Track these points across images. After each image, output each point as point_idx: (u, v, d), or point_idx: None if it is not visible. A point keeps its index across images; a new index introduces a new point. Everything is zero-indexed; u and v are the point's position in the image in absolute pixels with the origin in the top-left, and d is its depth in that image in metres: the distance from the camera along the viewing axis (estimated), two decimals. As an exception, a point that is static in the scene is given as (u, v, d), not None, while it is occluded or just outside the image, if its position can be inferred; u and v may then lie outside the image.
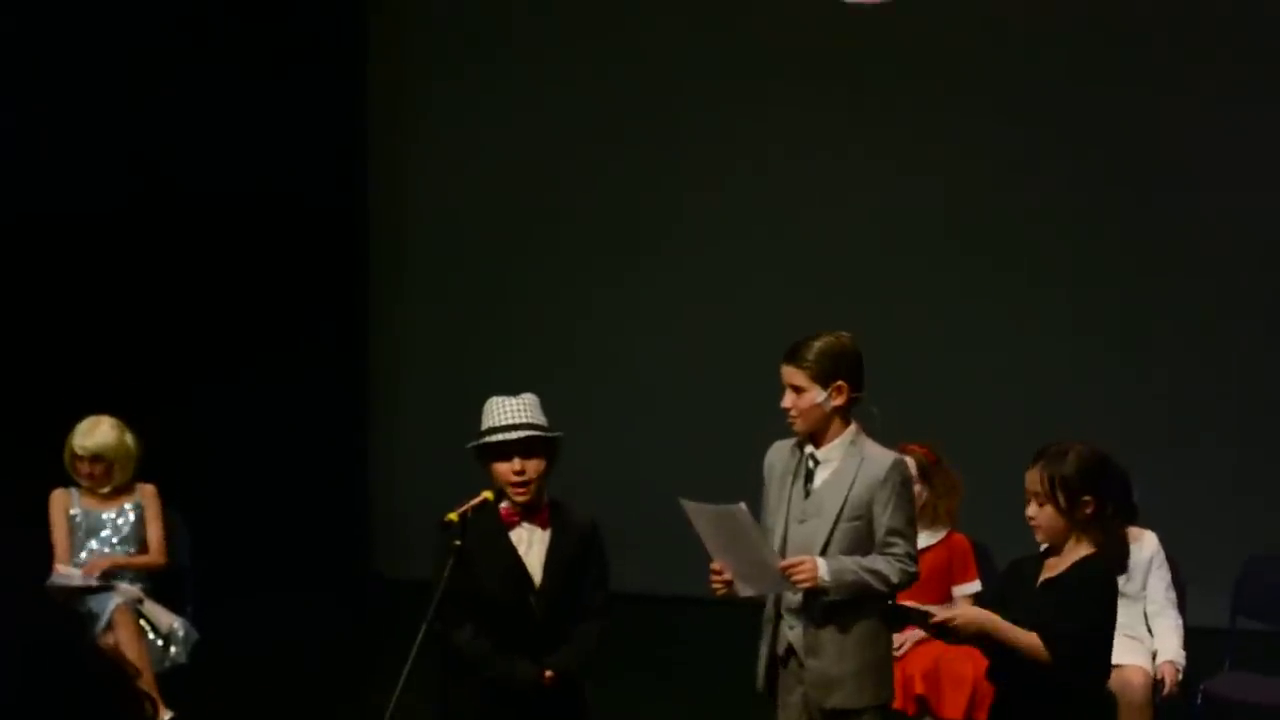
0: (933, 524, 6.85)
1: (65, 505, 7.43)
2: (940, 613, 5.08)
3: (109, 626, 7.08)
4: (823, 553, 5.30)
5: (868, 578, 5.26)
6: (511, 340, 10.34)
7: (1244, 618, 7.24)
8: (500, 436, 5.51)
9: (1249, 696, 6.92)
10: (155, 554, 7.45)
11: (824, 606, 5.30)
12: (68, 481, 7.44)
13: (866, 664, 5.37)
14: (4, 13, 8.86)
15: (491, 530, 5.46)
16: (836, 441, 5.37)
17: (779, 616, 5.45)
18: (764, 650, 5.52)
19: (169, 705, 7.03)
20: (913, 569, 5.33)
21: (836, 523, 5.32)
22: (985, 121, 9.74)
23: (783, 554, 5.35)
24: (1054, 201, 9.68)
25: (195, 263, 9.85)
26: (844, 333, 5.43)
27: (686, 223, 10.20)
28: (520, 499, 5.53)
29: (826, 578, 5.24)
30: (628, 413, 10.17)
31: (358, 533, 10.70)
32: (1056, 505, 4.91)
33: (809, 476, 5.39)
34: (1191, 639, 6.86)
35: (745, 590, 5.34)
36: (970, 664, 6.73)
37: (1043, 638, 4.83)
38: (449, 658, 5.33)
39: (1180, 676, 6.62)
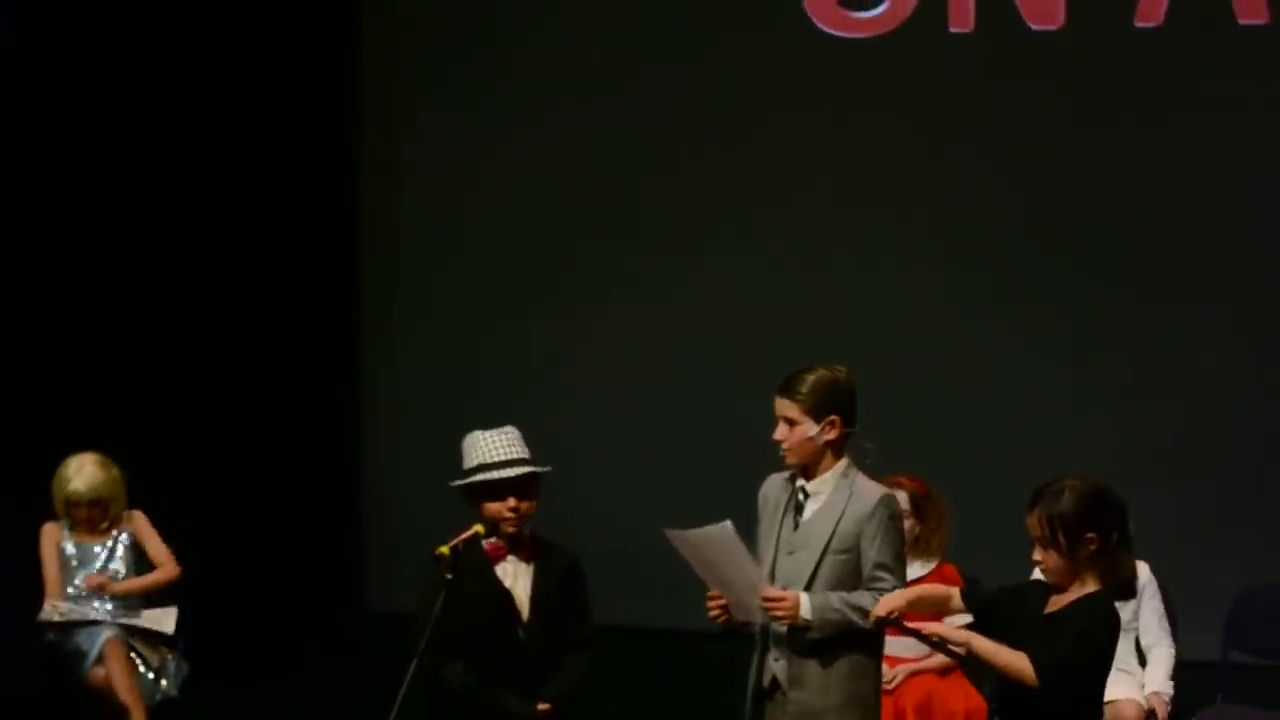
0: (924, 555, 6.86)
1: (56, 540, 7.43)
2: (931, 627, 5.07)
3: (99, 659, 7.08)
4: (809, 585, 5.30)
5: (851, 614, 5.25)
6: (507, 371, 10.33)
7: (1236, 650, 7.23)
8: (499, 474, 5.52)
9: (1242, 730, 6.92)
10: (168, 565, 7.46)
11: (808, 640, 5.30)
12: (56, 514, 7.44)
13: (851, 697, 5.35)
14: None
15: (478, 565, 5.46)
16: (827, 475, 5.37)
17: (765, 648, 5.45)
18: (750, 681, 5.51)
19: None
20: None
21: (823, 555, 5.31)
22: (982, 145, 9.74)
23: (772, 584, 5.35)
24: (1051, 230, 9.67)
25: (180, 271, 9.77)
26: (839, 366, 5.43)
27: (686, 221, 10.18)
28: (512, 531, 5.53)
29: (808, 615, 5.24)
30: (622, 428, 10.15)
31: (350, 564, 10.68)
32: (1058, 547, 4.88)
33: (799, 509, 5.39)
34: (1183, 672, 6.83)
35: (741, 616, 5.34)
36: (962, 697, 6.74)
37: (1032, 660, 4.81)
38: (439, 692, 5.32)
39: (1169, 708, 6.61)
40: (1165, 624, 6.71)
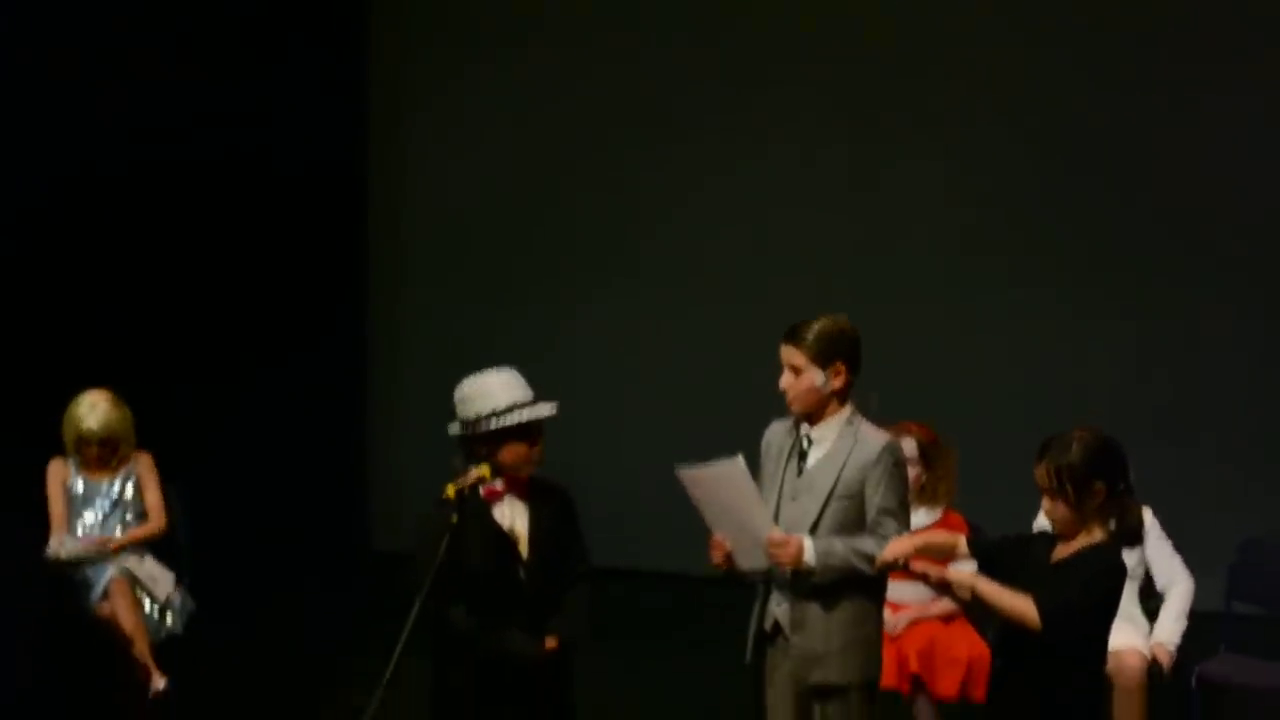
0: (930, 502, 6.86)
1: (63, 476, 7.43)
2: (937, 570, 5.09)
3: (105, 595, 7.11)
4: (812, 530, 5.30)
5: (854, 560, 5.26)
6: (510, 316, 10.35)
7: (1239, 602, 7.23)
8: (530, 414, 5.43)
9: (1244, 680, 6.91)
10: (155, 519, 7.45)
11: (811, 584, 5.31)
12: (63, 451, 7.44)
13: (853, 641, 5.36)
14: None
15: (476, 507, 5.44)
16: (832, 421, 5.36)
17: (768, 593, 5.46)
18: (753, 625, 5.52)
19: (164, 674, 7.05)
20: None
21: (827, 501, 5.31)
22: (984, 105, 9.73)
23: None
24: (1054, 185, 9.67)
25: (192, 239, 9.82)
26: (843, 315, 5.42)
27: (688, 215, 10.20)
28: (530, 472, 5.52)
29: (811, 560, 5.25)
30: (622, 396, 10.18)
31: (355, 505, 10.71)
32: (1066, 498, 4.90)
33: (803, 455, 5.39)
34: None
35: (743, 564, 5.34)
36: (965, 644, 6.75)
37: (1036, 603, 4.83)
38: (443, 637, 5.31)
39: (1173, 658, 6.62)
40: (1177, 560, 6.71)
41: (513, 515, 5.55)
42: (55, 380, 7.72)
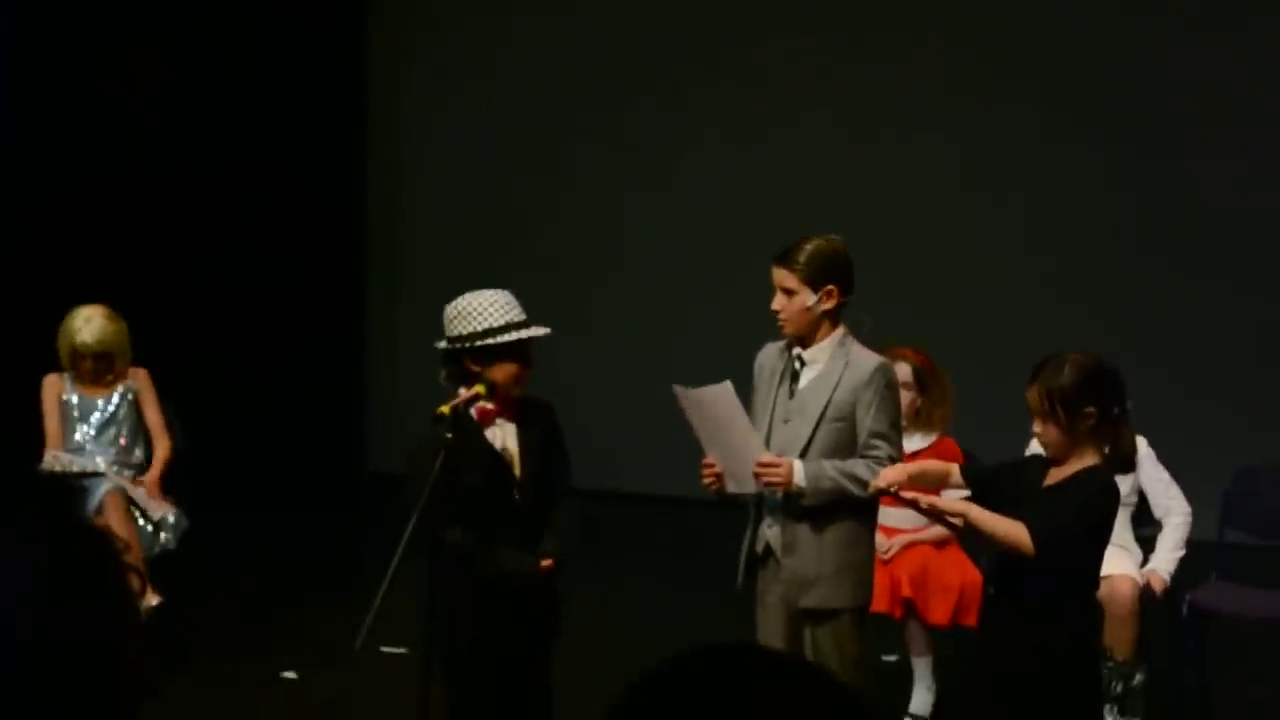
0: (925, 428, 6.86)
1: (59, 391, 7.39)
2: (929, 498, 5.09)
3: (99, 510, 7.10)
4: (804, 453, 5.29)
5: (845, 482, 5.25)
6: (510, 245, 10.35)
7: (1232, 530, 7.25)
8: (524, 334, 5.35)
9: (1235, 607, 6.93)
10: (159, 437, 7.43)
11: (802, 507, 5.30)
12: (60, 364, 7.41)
13: (844, 564, 5.37)
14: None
15: (469, 427, 5.42)
16: (824, 343, 5.35)
17: (759, 515, 5.46)
18: (744, 548, 5.53)
19: (157, 590, 7.06)
20: None
21: (819, 424, 5.30)
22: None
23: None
24: (1057, 122, 9.66)
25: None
26: (835, 236, 5.39)
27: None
28: (518, 392, 5.48)
29: (801, 483, 5.24)
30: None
31: (353, 426, 10.73)
32: (1057, 420, 4.90)
33: (795, 377, 5.38)
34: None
35: (733, 487, 5.34)
36: (958, 570, 6.76)
37: (1029, 528, 4.83)
38: (438, 558, 5.31)
39: (1167, 585, 6.63)
40: (1174, 488, 6.70)
41: (504, 435, 5.53)
42: (44, 284, 7.72)
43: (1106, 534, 5.01)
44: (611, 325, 10.29)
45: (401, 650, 6.61)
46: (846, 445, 5.31)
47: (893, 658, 7.09)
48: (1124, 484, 6.57)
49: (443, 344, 5.42)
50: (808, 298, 5.28)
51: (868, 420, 5.28)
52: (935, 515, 5.20)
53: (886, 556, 6.74)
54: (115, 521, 7.07)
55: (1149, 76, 9.50)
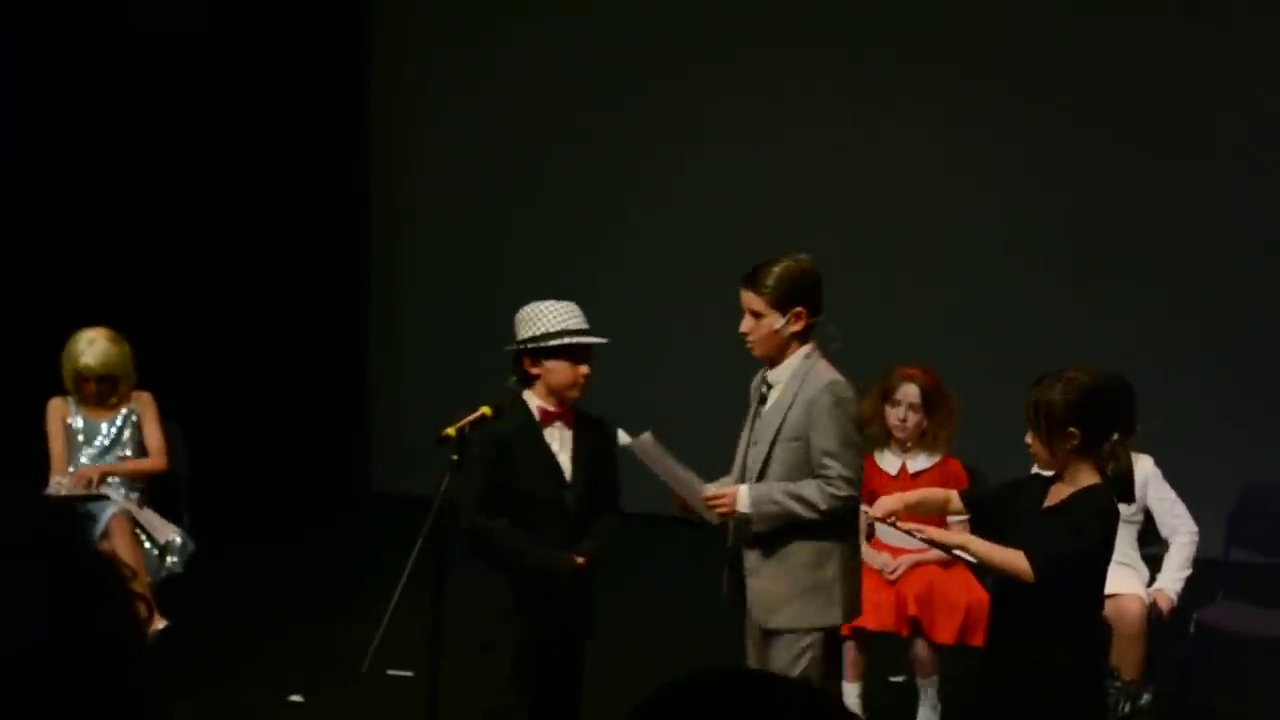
0: (930, 448, 6.85)
1: (63, 414, 7.38)
2: (928, 530, 5.10)
3: (104, 535, 7.08)
4: (762, 474, 5.30)
5: (793, 505, 5.23)
6: (511, 267, 10.34)
7: (1238, 548, 7.24)
8: (575, 339, 5.54)
9: (1241, 626, 6.92)
10: (155, 457, 7.41)
11: (755, 531, 5.31)
12: (64, 388, 7.41)
13: (814, 585, 5.34)
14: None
15: (528, 429, 5.53)
16: (790, 363, 5.33)
17: (736, 536, 5.48)
18: (727, 567, 5.56)
19: (164, 615, 7.04)
20: (845, 492, 5.25)
21: (774, 444, 5.30)
22: (988, 90, 9.75)
23: (740, 478, 5.39)
24: (1052, 134, 9.67)
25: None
26: (803, 255, 5.37)
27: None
28: (577, 397, 5.61)
29: (746, 509, 5.24)
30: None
31: (357, 447, 10.73)
32: (1040, 434, 4.90)
33: (763, 400, 5.38)
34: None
35: (697, 508, 5.35)
36: (964, 589, 6.76)
37: (1028, 556, 4.83)
38: (482, 546, 5.42)
39: (1174, 604, 6.62)
40: (1180, 507, 6.69)
41: (561, 441, 5.65)
42: (52, 313, 7.72)
43: (1107, 554, 4.99)
44: (612, 329, 10.26)
45: (408, 674, 6.61)
46: (804, 464, 5.29)
47: (899, 678, 7.08)
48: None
49: (510, 348, 5.61)
50: (775, 320, 5.27)
51: (817, 439, 5.25)
52: (937, 545, 5.19)
53: (893, 576, 6.74)
54: (121, 545, 7.05)
55: (1177, 102, 9.48)
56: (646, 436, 5.30)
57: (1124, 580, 6.49)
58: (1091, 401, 4.90)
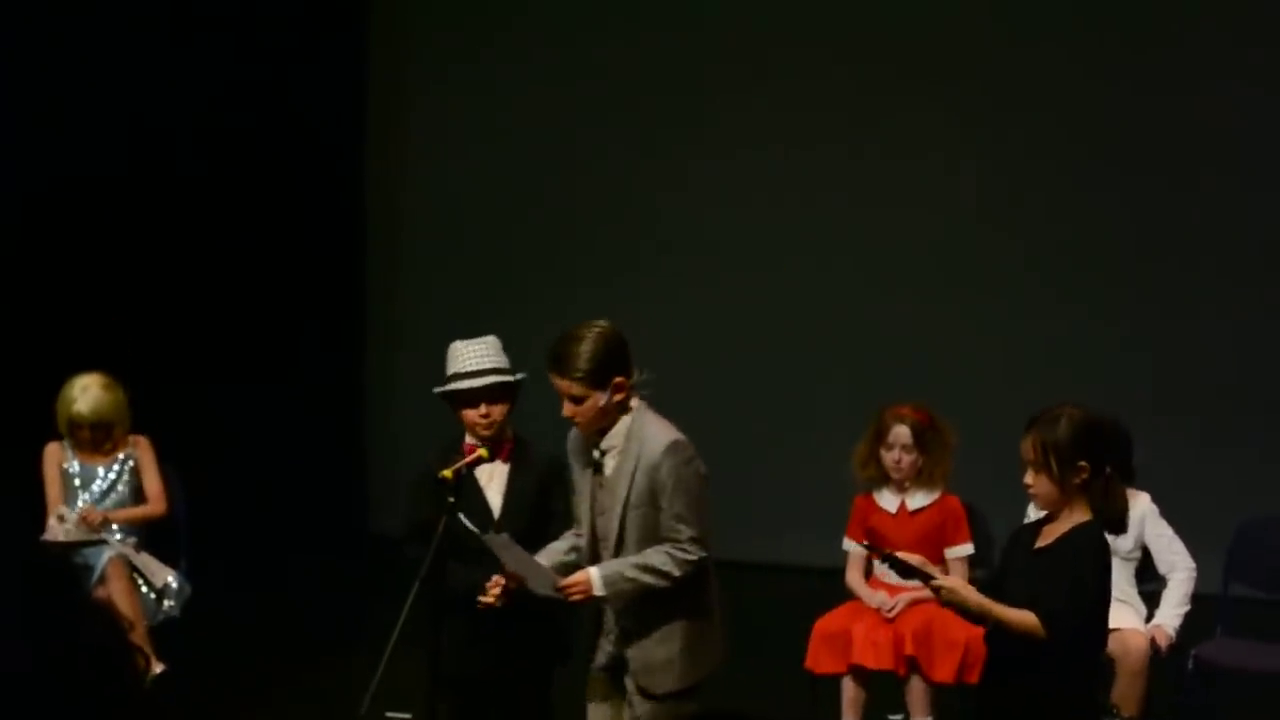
0: (927, 486, 6.85)
1: (59, 459, 7.38)
2: (941, 579, 5.11)
3: (101, 579, 7.07)
4: (619, 543, 5.28)
5: (646, 578, 5.21)
6: (507, 304, 10.34)
7: (1236, 584, 7.24)
8: (466, 384, 5.67)
9: (1241, 662, 6.92)
10: (155, 503, 7.41)
11: (617, 607, 5.31)
12: (59, 435, 7.41)
13: (686, 645, 5.33)
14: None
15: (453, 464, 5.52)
16: (619, 427, 5.30)
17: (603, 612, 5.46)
18: (602, 638, 5.50)
19: (161, 659, 7.03)
20: (696, 555, 5.23)
21: (625, 513, 5.27)
22: (984, 102, 9.76)
23: (591, 547, 5.36)
24: (1049, 172, 9.69)
25: (193, 233, 9.82)
26: (601, 322, 5.31)
27: (690, 212, 10.21)
28: (486, 436, 5.67)
29: (600, 591, 5.22)
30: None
31: (353, 488, 10.71)
32: (1049, 473, 4.92)
33: (599, 467, 5.34)
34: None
35: (538, 589, 5.31)
36: (963, 627, 6.72)
37: (1039, 616, 4.86)
38: (435, 599, 5.40)
39: (1172, 640, 6.61)
40: (1178, 544, 6.68)
41: (491, 475, 5.73)
42: (54, 374, 7.74)
43: (1106, 590, 5.03)
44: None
45: (406, 716, 6.59)
46: (656, 527, 5.26)
47: (897, 716, 7.06)
48: (1128, 540, 6.60)
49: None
50: (598, 398, 5.21)
51: (664, 502, 5.23)
52: (955, 608, 5.17)
53: (891, 614, 6.73)
54: (118, 590, 7.04)
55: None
56: (505, 536, 5.32)
57: (1124, 617, 6.48)
58: (1095, 432, 4.97)
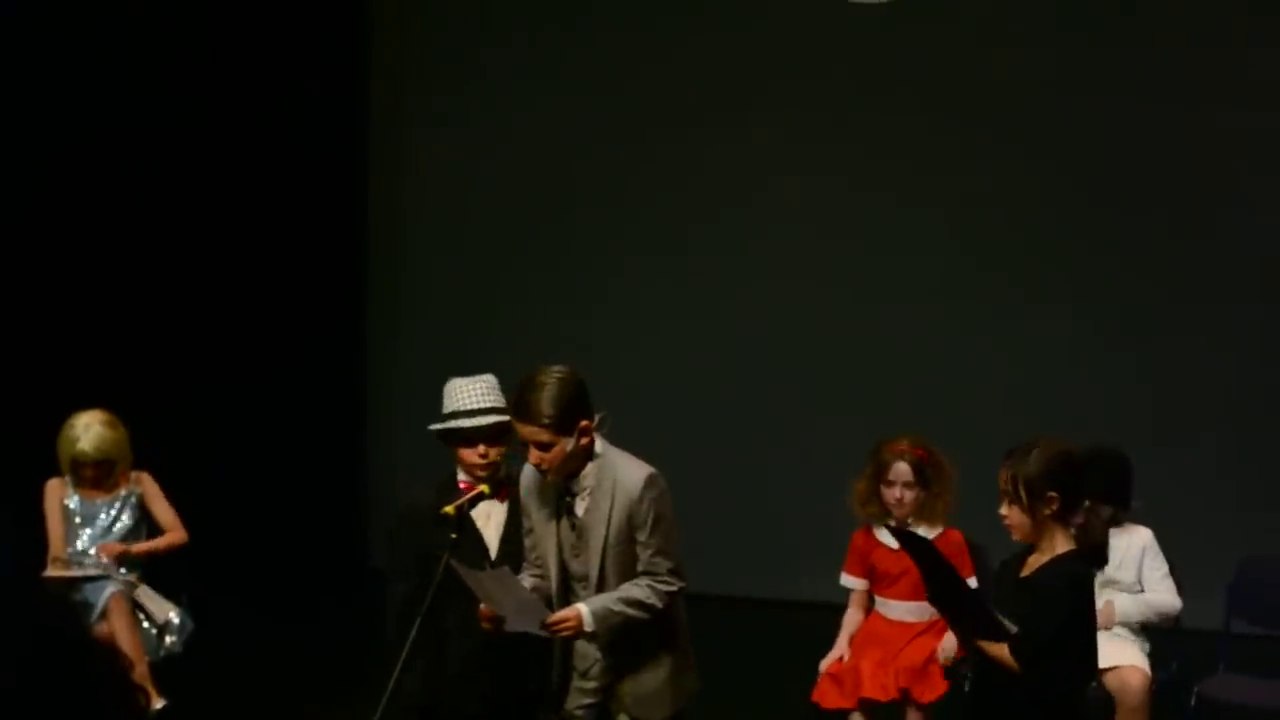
0: (929, 520, 6.83)
1: (61, 495, 7.39)
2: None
3: (103, 615, 7.07)
4: (599, 582, 5.31)
5: (632, 612, 5.26)
6: (507, 340, 10.35)
7: (1238, 620, 7.24)
8: (466, 423, 5.69)
9: (1243, 699, 6.92)
10: (175, 531, 7.42)
11: (603, 642, 5.34)
12: (61, 471, 7.41)
13: (672, 669, 5.41)
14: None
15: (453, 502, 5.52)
16: (589, 468, 5.32)
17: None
18: (576, 675, 5.51)
19: (162, 694, 7.04)
20: (675, 586, 5.32)
21: (605, 552, 5.30)
22: (984, 122, 9.77)
23: (563, 587, 5.39)
24: (1052, 200, 9.70)
25: (190, 259, 9.81)
26: (560, 368, 5.30)
27: (688, 219, 10.21)
28: (482, 476, 5.66)
29: (591, 627, 5.25)
30: (627, 409, 10.18)
31: (354, 523, 10.71)
32: (1020, 503, 5.02)
33: (569, 508, 5.35)
34: (1185, 641, 6.90)
35: (517, 627, 5.31)
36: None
37: (1011, 649, 4.94)
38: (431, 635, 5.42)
39: (1113, 621, 6.56)
40: (1168, 582, 6.68)
41: (489, 514, 5.74)
42: (49, 392, 7.75)
43: (1084, 620, 5.07)
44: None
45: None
46: (634, 562, 5.31)
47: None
48: (1129, 573, 6.61)
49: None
50: (566, 443, 5.21)
51: (643, 537, 5.28)
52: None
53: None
54: (119, 626, 7.04)
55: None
56: (506, 569, 5.36)
57: (1124, 652, 6.48)
58: (1066, 464, 5.05)
